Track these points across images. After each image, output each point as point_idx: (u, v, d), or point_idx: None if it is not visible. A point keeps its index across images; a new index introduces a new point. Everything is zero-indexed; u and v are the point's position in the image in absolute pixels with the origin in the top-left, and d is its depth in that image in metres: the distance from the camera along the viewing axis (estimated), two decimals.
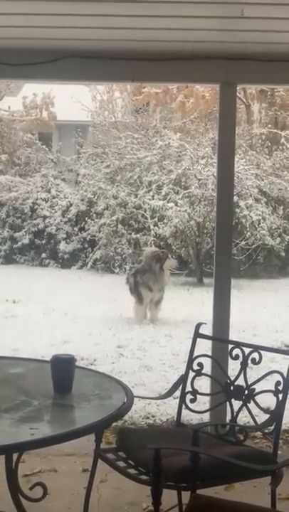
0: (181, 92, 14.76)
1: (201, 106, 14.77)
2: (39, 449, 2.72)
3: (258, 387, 3.37)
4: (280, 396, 3.18)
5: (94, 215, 14.61)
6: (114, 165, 14.57)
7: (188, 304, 10.78)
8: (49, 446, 2.70)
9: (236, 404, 3.46)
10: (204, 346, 4.00)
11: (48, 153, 16.83)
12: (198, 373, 3.56)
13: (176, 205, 13.17)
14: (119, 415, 2.94)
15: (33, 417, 2.83)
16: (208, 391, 4.07)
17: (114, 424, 3.20)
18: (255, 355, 3.40)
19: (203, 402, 4.15)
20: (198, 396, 3.54)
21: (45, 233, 15.20)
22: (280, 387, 3.18)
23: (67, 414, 2.98)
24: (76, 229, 15.11)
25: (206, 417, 4.40)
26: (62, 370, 3.08)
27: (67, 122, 18.25)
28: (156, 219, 13.41)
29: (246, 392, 3.40)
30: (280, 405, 3.18)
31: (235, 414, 3.45)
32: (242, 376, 3.44)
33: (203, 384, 3.98)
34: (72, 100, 15.50)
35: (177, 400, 3.63)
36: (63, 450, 4.31)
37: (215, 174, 7.13)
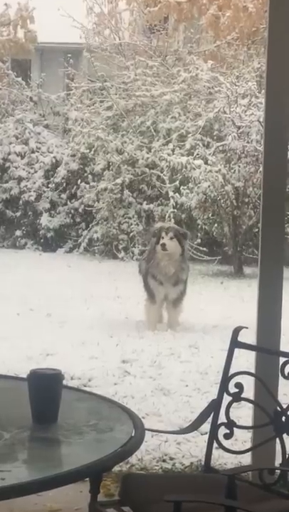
0: (214, 2, 14.70)
1: (242, 22, 14.72)
2: (11, 500, 2.73)
3: None
4: None
5: (90, 176, 14.62)
6: (118, 106, 14.55)
7: (222, 302, 10.80)
8: (25, 495, 2.71)
9: None
10: (245, 361, 4.01)
11: (24, 88, 16.84)
12: (237, 398, 3.57)
13: (206, 163, 13.16)
14: (124, 455, 2.95)
15: (4, 456, 2.85)
16: (249, 423, 4.08)
17: (116, 467, 3.21)
18: None
19: (243, 440, 4.16)
20: (235, 430, 3.55)
21: (21, 202, 15.24)
22: None
23: (50, 451, 2.99)
24: (64, 196, 15.14)
25: (246, 460, 4.41)
26: (45, 390, 3.09)
27: (53, 45, 18.24)
28: (177, 183, 13.41)
29: None
30: None
31: (288, 455, 3.46)
32: None
33: (243, 414, 3.99)
34: (60, 14, 15.46)
35: (206, 436, 3.65)
36: (45, 503, 4.32)
37: (261, 119, 7.13)
